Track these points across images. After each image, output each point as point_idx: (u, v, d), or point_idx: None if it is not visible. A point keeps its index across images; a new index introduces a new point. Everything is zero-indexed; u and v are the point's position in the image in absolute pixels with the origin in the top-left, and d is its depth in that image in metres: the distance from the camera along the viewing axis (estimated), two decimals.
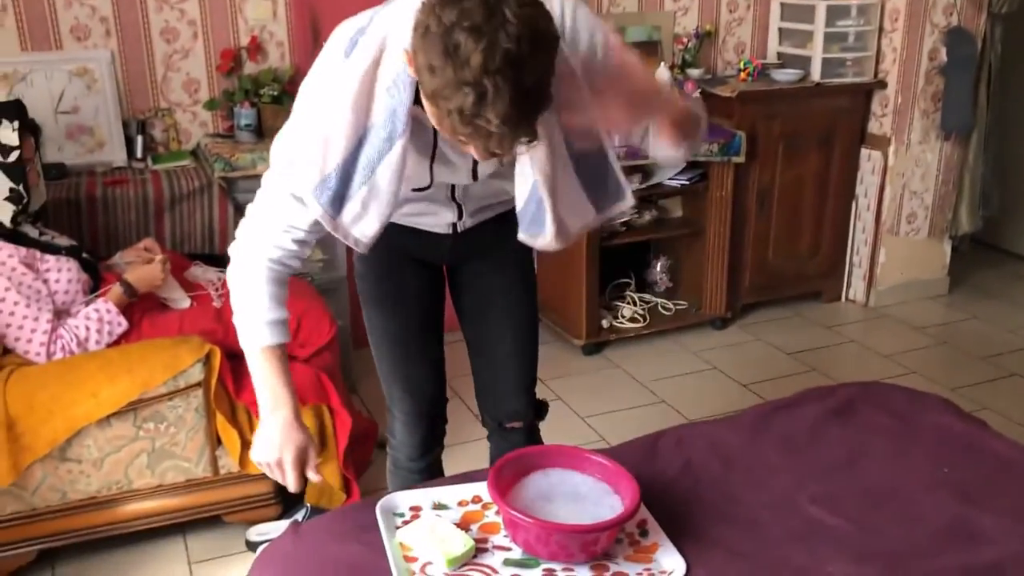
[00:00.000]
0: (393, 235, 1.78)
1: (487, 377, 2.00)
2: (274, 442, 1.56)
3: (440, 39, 1.20)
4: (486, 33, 1.18)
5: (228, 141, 3.27)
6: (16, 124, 2.38)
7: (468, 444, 2.75)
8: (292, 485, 1.57)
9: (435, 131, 1.49)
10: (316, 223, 1.52)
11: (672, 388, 3.49)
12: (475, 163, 1.60)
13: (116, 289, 2.46)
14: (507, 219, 1.83)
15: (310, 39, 3.43)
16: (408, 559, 1.47)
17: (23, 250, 2.36)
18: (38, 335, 2.31)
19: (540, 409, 2.06)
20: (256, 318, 1.56)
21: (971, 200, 4.22)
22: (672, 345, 3.87)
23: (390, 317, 1.92)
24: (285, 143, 1.50)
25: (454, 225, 1.78)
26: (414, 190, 1.63)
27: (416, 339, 1.94)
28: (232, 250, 1.59)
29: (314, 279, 3.17)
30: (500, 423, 2.02)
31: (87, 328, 2.38)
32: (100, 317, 2.40)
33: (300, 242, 1.55)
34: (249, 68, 3.38)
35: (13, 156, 2.37)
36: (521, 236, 1.60)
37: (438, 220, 1.77)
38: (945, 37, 3.99)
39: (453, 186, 1.69)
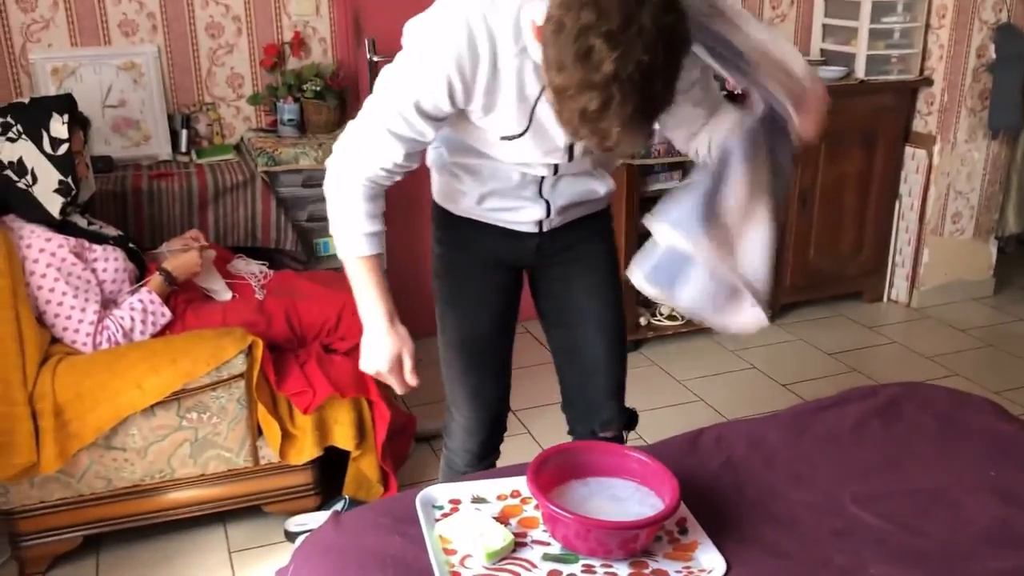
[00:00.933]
0: (478, 235, 1.79)
1: (577, 384, 1.97)
2: (373, 348, 1.62)
3: (574, 39, 1.18)
4: (622, 42, 1.16)
5: (271, 136, 3.30)
6: (66, 117, 2.42)
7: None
8: (397, 387, 1.65)
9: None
10: (407, 160, 1.55)
11: (710, 387, 3.47)
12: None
13: (156, 278, 2.50)
14: (594, 219, 1.86)
15: (352, 35, 3.45)
16: (448, 552, 1.48)
17: (72, 240, 2.40)
18: (84, 326, 2.35)
19: (632, 418, 2.02)
20: (354, 230, 1.59)
21: (1018, 200, 4.15)
22: (710, 344, 3.85)
23: (465, 321, 1.89)
24: (392, 76, 1.51)
25: (540, 223, 1.77)
26: (503, 138, 1.60)
27: (488, 345, 1.92)
28: (329, 163, 1.61)
29: None
30: (593, 431, 1.96)
31: (132, 319, 2.42)
32: (144, 308, 2.44)
33: (392, 171, 1.57)
34: (292, 63, 3.41)
35: (63, 149, 2.41)
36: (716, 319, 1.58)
37: (525, 216, 1.75)
38: (994, 34, 3.92)
39: (542, 181, 1.68)
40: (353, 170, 1.57)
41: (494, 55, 1.44)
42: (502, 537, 1.47)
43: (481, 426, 1.97)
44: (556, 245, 1.82)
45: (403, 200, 2.65)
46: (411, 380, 1.65)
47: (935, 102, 3.98)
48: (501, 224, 1.77)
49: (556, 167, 1.67)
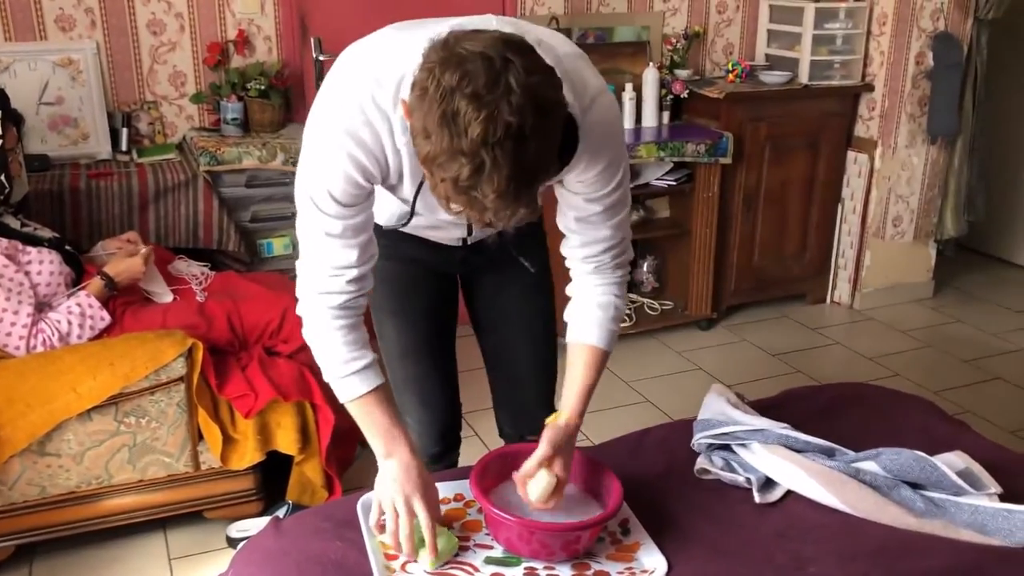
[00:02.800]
0: (405, 246, 1.77)
1: (507, 390, 1.97)
2: (399, 484, 1.48)
3: (438, 104, 1.12)
4: (488, 103, 1.10)
5: (214, 135, 3.25)
6: None
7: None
8: (425, 526, 1.46)
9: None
10: (363, 256, 1.47)
11: (657, 388, 3.49)
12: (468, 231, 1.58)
13: (96, 282, 2.44)
14: (520, 229, 1.83)
15: (298, 33, 3.41)
16: (388, 556, 1.46)
17: (4, 241, 2.34)
18: (18, 328, 2.29)
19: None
20: (342, 372, 1.51)
21: (956, 204, 4.24)
22: (657, 345, 3.87)
23: (403, 328, 1.87)
24: (304, 180, 1.44)
25: (464, 239, 1.76)
26: (386, 226, 1.59)
27: (430, 350, 1.90)
28: (298, 310, 1.54)
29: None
30: (522, 436, 1.96)
31: (69, 322, 2.36)
32: (82, 311, 2.38)
33: (355, 280, 1.49)
34: (236, 62, 3.37)
35: None
36: None
37: (447, 235, 1.74)
38: (932, 42, 4.01)
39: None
40: (320, 306, 1.49)
41: (391, 131, 1.38)
42: (445, 540, 1.46)
43: (433, 428, 1.97)
44: (482, 256, 1.81)
45: None
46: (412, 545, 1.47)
47: (876, 108, 4.06)
48: (424, 237, 1.76)
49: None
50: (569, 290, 1.66)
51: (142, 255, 2.52)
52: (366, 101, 1.35)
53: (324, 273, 1.48)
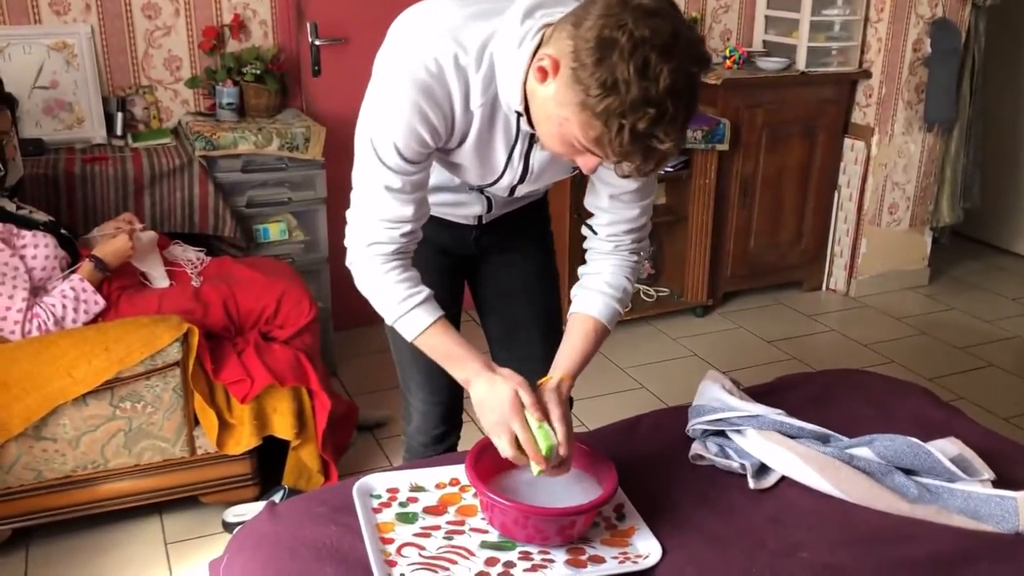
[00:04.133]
0: None
1: (513, 369, 1.98)
2: (489, 406, 1.47)
3: (630, 55, 1.18)
4: (676, 55, 1.19)
5: (209, 120, 3.24)
6: None
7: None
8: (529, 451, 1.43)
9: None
10: (418, 212, 1.50)
11: (652, 374, 3.50)
12: (522, 175, 1.58)
13: (87, 265, 2.43)
14: (532, 209, 1.86)
15: (294, 18, 3.39)
16: (384, 540, 1.47)
17: None
18: (12, 313, 2.29)
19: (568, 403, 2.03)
20: (404, 309, 1.52)
21: (952, 192, 4.25)
22: (653, 332, 3.88)
23: None
24: (368, 127, 1.45)
25: (480, 217, 1.77)
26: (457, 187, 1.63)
27: None
28: (347, 262, 1.55)
29: (295, 261, 3.16)
30: None
31: (63, 306, 2.35)
32: (76, 295, 2.37)
33: (408, 233, 1.51)
34: (232, 46, 3.35)
35: None
36: None
37: (466, 211, 1.75)
38: (930, 28, 4.00)
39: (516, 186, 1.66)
40: (372, 253, 1.51)
41: (467, 94, 1.40)
42: (545, 443, 1.43)
43: (437, 409, 1.97)
44: (494, 236, 1.83)
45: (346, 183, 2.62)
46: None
47: (873, 94, 4.05)
48: (440, 216, 1.76)
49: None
50: (581, 270, 1.69)
51: (127, 232, 2.50)
52: (446, 60, 1.37)
53: (378, 225, 1.50)
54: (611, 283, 1.64)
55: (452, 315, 1.93)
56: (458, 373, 1.55)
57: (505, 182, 1.59)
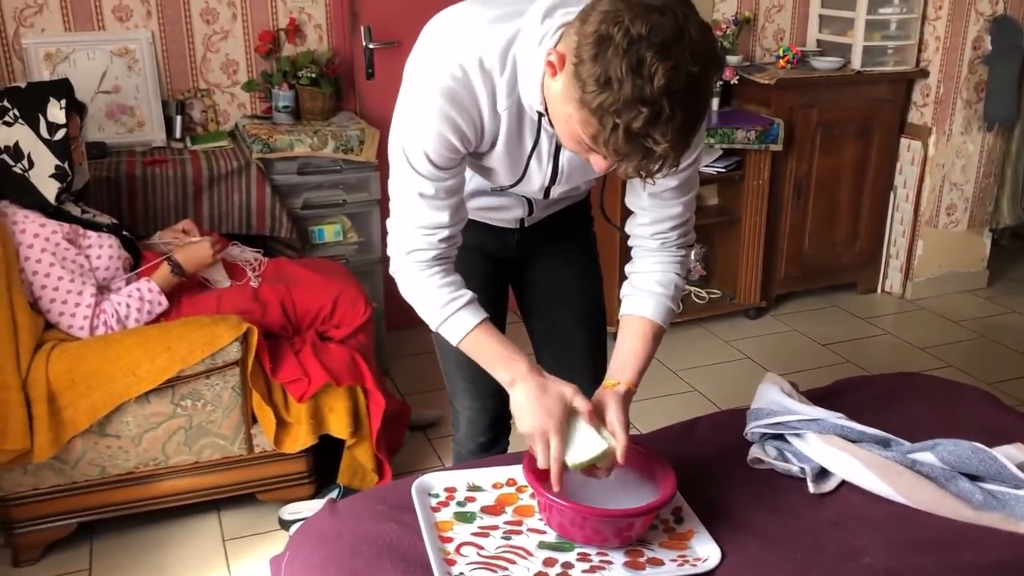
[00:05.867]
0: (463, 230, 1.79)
1: (558, 374, 1.95)
2: (532, 415, 1.46)
3: (625, 52, 1.15)
4: (674, 53, 1.15)
5: (266, 123, 3.29)
6: (63, 102, 2.41)
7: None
8: (554, 458, 1.42)
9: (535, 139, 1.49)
10: (454, 217, 1.50)
11: (704, 377, 3.47)
12: (553, 177, 1.58)
13: (164, 268, 2.49)
14: (573, 211, 1.85)
15: (348, 21, 3.43)
16: (443, 539, 1.48)
17: (66, 226, 2.39)
18: (82, 309, 2.34)
19: None
20: (446, 313, 1.53)
21: (1013, 192, 4.16)
22: (705, 334, 3.85)
23: None
24: (400, 136, 1.46)
25: (522, 220, 1.77)
26: (492, 190, 1.63)
27: None
28: (391, 270, 1.57)
29: (349, 261, 3.19)
30: None
31: (128, 306, 2.41)
32: (142, 296, 2.43)
33: (446, 239, 1.52)
34: (288, 50, 3.40)
35: (60, 134, 2.40)
36: None
37: (508, 215, 1.75)
38: (990, 26, 3.92)
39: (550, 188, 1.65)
40: (414, 260, 1.52)
41: (493, 95, 1.41)
42: (592, 454, 1.42)
43: (483, 415, 1.96)
44: (536, 239, 1.82)
45: None
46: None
47: (931, 94, 3.98)
48: (482, 220, 1.77)
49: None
50: (628, 268, 1.67)
51: (210, 241, 2.56)
52: (470, 63, 1.38)
53: (415, 233, 1.51)
54: (661, 281, 1.63)
55: (497, 319, 1.93)
56: (502, 375, 1.53)
57: (536, 184, 1.59)
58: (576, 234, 1.89)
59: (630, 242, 1.68)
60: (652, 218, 1.61)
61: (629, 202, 1.64)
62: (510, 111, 1.43)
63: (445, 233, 1.51)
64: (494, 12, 1.41)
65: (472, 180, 1.68)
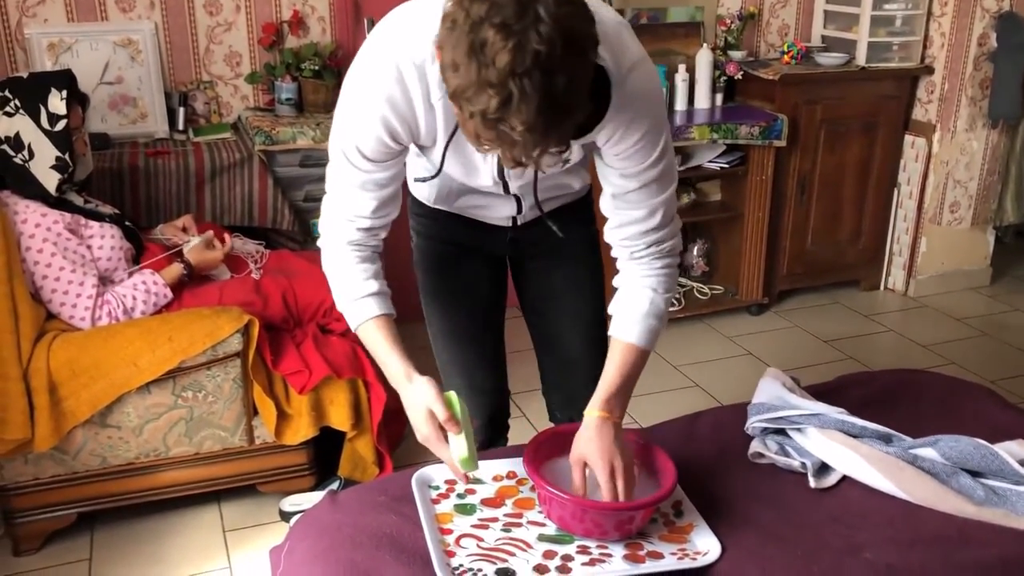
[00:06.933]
0: (453, 226, 1.77)
1: (557, 374, 1.95)
2: (409, 414, 1.49)
3: (466, 35, 1.11)
4: (516, 32, 1.09)
5: (269, 115, 3.28)
6: (65, 93, 2.40)
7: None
8: (442, 458, 1.46)
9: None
10: (379, 210, 1.52)
11: (706, 373, 3.47)
12: (500, 170, 1.55)
13: (176, 268, 2.50)
14: (572, 209, 1.81)
15: (351, 14, 3.43)
16: (443, 531, 1.48)
17: (68, 216, 2.39)
18: (83, 299, 2.34)
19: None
20: (353, 295, 1.56)
21: (1017, 190, 4.14)
22: (707, 330, 3.85)
23: (449, 311, 1.87)
24: (338, 134, 1.49)
25: (514, 218, 1.75)
26: (417, 179, 1.64)
27: (476, 334, 1.89)
28: (319, 243, 1.61)
29: None
30: (572, 420, 1.91)
31: (134, 297, 2.41)
32: (148, 288, 2.43)
33: (367, 229, 1.54)
34: (291, 42, 3.39)
35: (60, 125, 2.39)
36: None
37: (497, 213, 1.73)
38: (996, 23, 3.90)
39: (506, 182, 1.62)
40: (336, 238, 1.56)
41: (427, 88, 1.38)
42: (464, 450, 1.42)
43: (481, 413, 1.95)
44: (531, 237, 1.79)
45: None
46: (449, 428, 1.44)
47: (935, 90, 3.97)
48: (473, 217, 1.76)
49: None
50: (615, 281, 1.63)
51: (224, 251, 2.60)
52: (402, 58, 1.36)
53: (338, 217, 1.54)
54: (638, 298, 1.57)
55: (494, 316, 1.93)
56: (391, 377, 1.54)
57: (486, 178, 1.56)
58: (576, 233, 1.84)
59: (612, 253, 1.63)
60: (618, 221, 1.55)
61: (600, 205, 1.59)
62: (444, 102, 1.38)
63: (365, 224, 1.53)
64: (434, 2, 1.37)
65: (454, 180, 1.66)
